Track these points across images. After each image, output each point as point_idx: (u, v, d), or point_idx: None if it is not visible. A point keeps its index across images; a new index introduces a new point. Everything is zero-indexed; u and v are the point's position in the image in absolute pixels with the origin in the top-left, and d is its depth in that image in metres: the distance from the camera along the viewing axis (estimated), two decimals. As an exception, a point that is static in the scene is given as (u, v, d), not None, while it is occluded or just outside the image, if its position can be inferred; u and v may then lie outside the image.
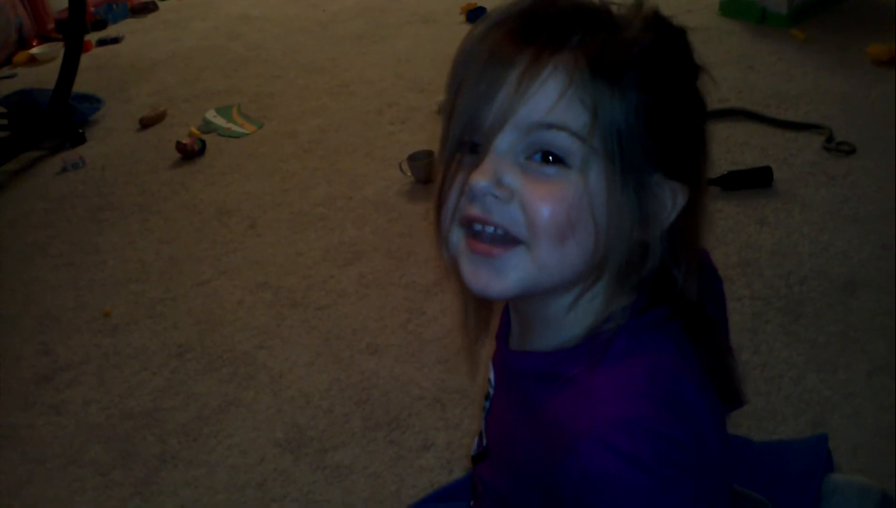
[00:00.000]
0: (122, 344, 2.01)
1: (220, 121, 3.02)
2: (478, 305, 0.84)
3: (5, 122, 3.08)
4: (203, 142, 2.84)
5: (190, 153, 2.79)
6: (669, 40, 0.71)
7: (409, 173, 2.40)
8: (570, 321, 0.74)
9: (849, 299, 1.70)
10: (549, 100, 0.66)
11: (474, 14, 3.52)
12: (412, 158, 2.41)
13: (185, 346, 1.96)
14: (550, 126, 0.67)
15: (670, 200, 0.71)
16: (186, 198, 2.59)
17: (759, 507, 0.94)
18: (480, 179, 0.68)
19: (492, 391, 0.87)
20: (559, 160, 0.68)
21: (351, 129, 2.81)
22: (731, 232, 1.94)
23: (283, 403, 1.74)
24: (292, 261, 2.19)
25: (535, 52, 0.66)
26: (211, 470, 1.63)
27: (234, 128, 2.96)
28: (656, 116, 0.69)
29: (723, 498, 0.74)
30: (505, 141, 0.68)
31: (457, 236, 0.73)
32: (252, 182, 2.60)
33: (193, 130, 2.92)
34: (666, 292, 0.74)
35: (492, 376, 0.87)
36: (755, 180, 2.08)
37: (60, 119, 3.06)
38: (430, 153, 2.42)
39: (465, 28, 3.44)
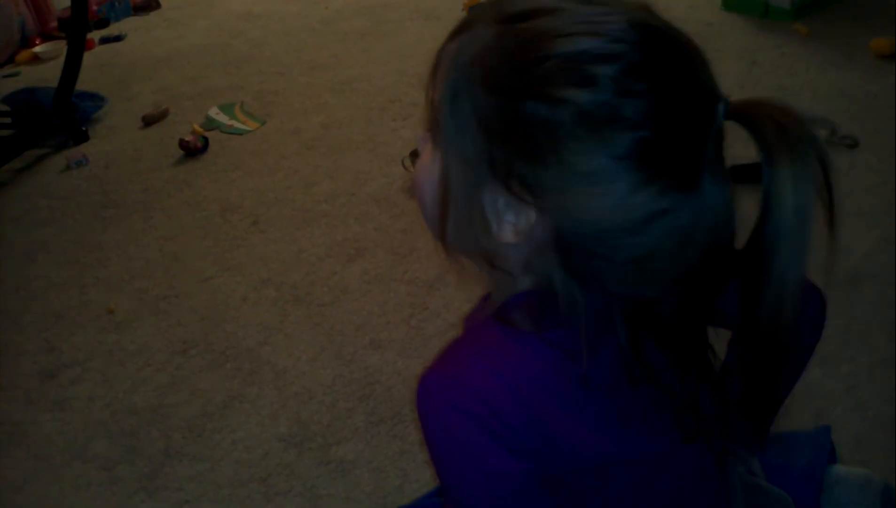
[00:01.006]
0: (126, 341, 2.02)
1: (222, 118, 3.02)
2: None
3: (9, 120, 3.09)
4: (206, 139, 2.84)
5: (193, 150, 2.80)
6: (506, 42, 0.67)
7: (412, 170, 2.40)
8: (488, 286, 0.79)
9: (852, 293, 1.70)
10: (440, 72, 0.72)
11: (476, 10, 3.51)
12: (415, 154, 2.41)
13: (189, 342, 1.96)
14: (431, 98, 0.72)
15: (513, 212, 0.67)
16: (189, 195, 2.59)
17: (779, 502, 0.94)
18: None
19: None
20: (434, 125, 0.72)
21: (354, 125, 2.82)
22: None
23: (287, 398, 1.75)
24: (295, 257, 2.19)
25: (452, 35, 0.73)
26: (215, 465, 1.63)
27: (237, 125, 2.97)
28: (491, 121, 0.67)
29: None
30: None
31: None
32: (255, 179, 2.61)
33: (196, 127, 2.92)
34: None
35: None
36: (756, 175, 2.07)
37: (64, 117, 3.06)
38: (432, 149, 2.42)
39: (468, 24, 3.45)
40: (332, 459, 1.58)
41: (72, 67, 3.07)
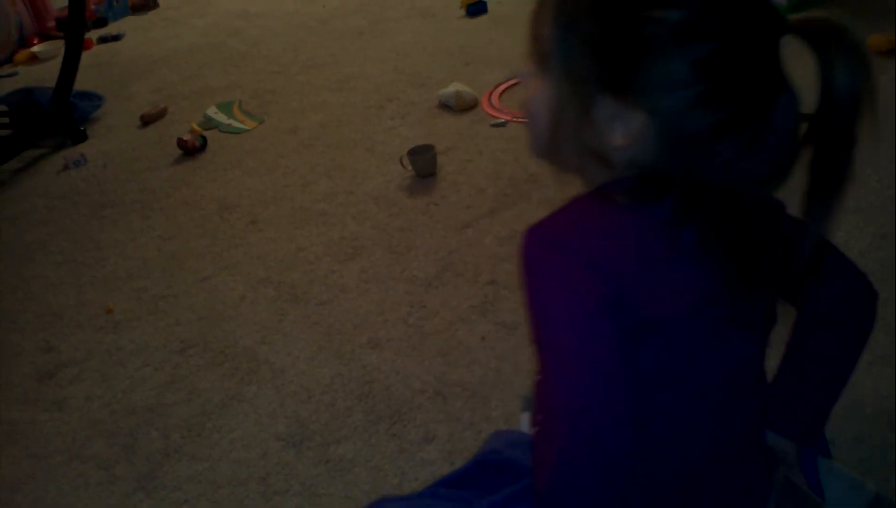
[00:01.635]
0: (125, 340, 2.02)
1: (220, 117, 3.02)
2: None
3: (7, 120, 3.09)
4: (204, 138, 2.85)
5: (191, 149, 2.80)
6: None
7: (410, 168, 2.41)
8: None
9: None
10: (542, 14, 0.83)
11: (474, 8, 3.52)
12: (412, 153, 2.41)
13: (188, 342, 1.97)
14: (533, 35, 0.84)
15: (610, 116, 0.79)
16: (187, 194, 2.59)
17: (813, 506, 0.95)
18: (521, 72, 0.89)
19: None
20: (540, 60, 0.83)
21: (351, 124, 2.82)
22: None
23: (286, 397, 1.75)
24: (293, 256, 2.19)
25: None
26: (214, 465, 1.63)
27: (235, 124, 2.97)
28: (601, 41, 0.78)
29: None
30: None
31: None
32: (253, 178, 2.61)
33: (194, 126, 2.92)
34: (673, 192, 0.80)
35: None
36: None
37: (62, 117, 3.07)
38: (430, 147, 2.42)
39: (465, 23, 3.45)
40: (331, 458, 1.58)
41: (70, 66, 3.07)
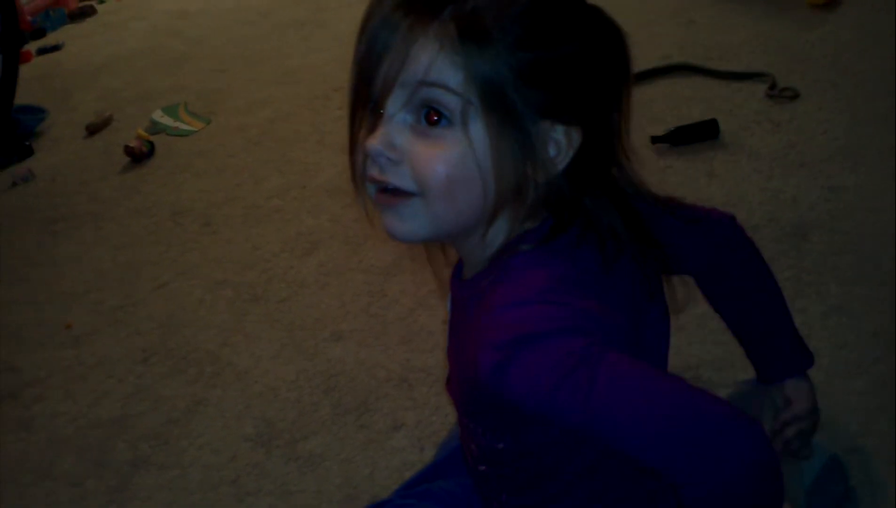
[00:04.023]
0: (86, 354, 2.00)
1: (167, 121, 2.99)
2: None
3: (-52, 140, 3.04)
4: (151, 144, 2.81)
5: (139, 156, 2.76)
6: (542, 3, 0.78)
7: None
8: (484, 249, 0.85)
9: (801, 243, 1.72)
10: (425, 62, 0.75)
11: (415, -9, 3.49)
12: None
13: (149, 350, 1.95)
14: (430, 84, 0.76)
15: (563, 143, 0.80)
16: (139, 202, 2.56)
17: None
18: (374, 144, 0.79)
19: (449, 318, 0.97)
20: (441, 116, 0.77)
21: (300, 117, 2.80)
22: (681, 187, 1.95)
23: (251, 398, 1.74)
24: (250, 256, 2.18)
25: (411, 22, 0.76)
26: (184, 471, 1.62)
27: (182, 126, 2.94)
28: (535, 70, 0.77)
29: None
30: (395, 102, 0.78)
31: (371, 190, 0.84)
32: (204, 180, 2.58)
33: (140, 132, 2.88)
34: (574, 216, 0.83)
35: (449, 305, 0.97)
36: (702, 134, 2.09)
37: (5, 133, 3.02)
38: (379, 135, 2.41)
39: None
40: (301, 454, 1.58)
41: (8, 81, 3.02)
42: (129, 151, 2.77)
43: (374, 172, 0.81)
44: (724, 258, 1.06)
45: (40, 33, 4.29)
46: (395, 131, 0.78)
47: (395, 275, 1.95)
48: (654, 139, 2.09)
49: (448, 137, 0.77)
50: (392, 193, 0.80)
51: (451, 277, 0.96)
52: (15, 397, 1.93)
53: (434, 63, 0.75)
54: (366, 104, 0.82)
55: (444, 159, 0.77)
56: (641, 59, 2.46)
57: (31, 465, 1.74)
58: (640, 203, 0.89)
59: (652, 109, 2.24)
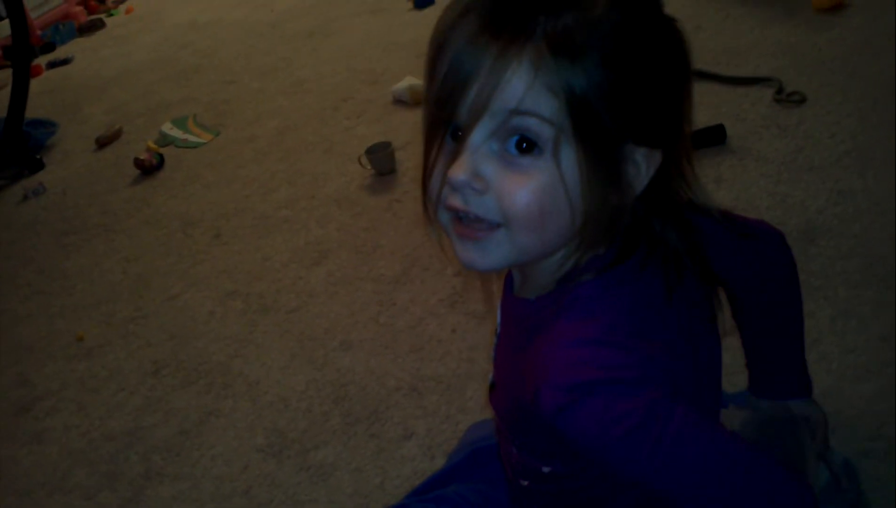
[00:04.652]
0: (98, 367, 2.01)
1: (176, 133, 3.01)
2: None
3: (-40, 155, 3.07)
4: (161, 156, 2.83)
5: (149, 168, 2.78)
6: (635, 16, 0.74)
7: (369, 166, 2.40)
8: (554, 272, 0.82)
9: (808, 247, 1.72)
10: (518, 90, 0.70)
11: (421, 2, 3.51)
12: (370, 151, 2.41)
13: (161, 362, 1.96)
14: (522, 113, 0.71)
15: (643, 165, 0.76)
16: (149, 213, 2.58)
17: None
18: (459, 174, 0.74)
19: (499, 330, 0.95)
20: (532, 145, 0.72)
21: (308, 127, 2.81)
22: (689, 193, 1.95)
23: (262, 409, 1.75)
24: (260, 266, 2.19)
25: (502, 45, 0.70)
26: (196, 483, 1.63)
27: (191, 138, 2.96)
28: (623, 91, 0.72)
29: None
30: (481, 132, 0.73)
31: (445, 218, 0.80)
32: (213, 191, 2.60)
33: (150, 144, 2.90)
34: (641, 239, 0.81)
35: (499, 316, 0.95)
36: (709, 139, 2.09)
37: (16, 147, 3.04)
38: (387, 145, 2.42)
39: (414, 15, 3.45)
40: (312, 464, 1.59)
41: (19, 95, 3.05)
42: (138, 163, 2.78)
43: (456, 202, 0.76)
44: (768, 275, 1.05)
45: (50, 47, 4.33)
46: (482, 160, 0.74)
47: (404, 284, 1.96)
48: (662, 145, 2.09)
49: (537, 167, 0.73)
50: (473, 224, 0.77)
51: (504, 290, 0.94)
52: (28, 410, 1.95)
53: (528, 91, 0.70)
54: (445, 130, 0.77)
55: (533, 190, 0.73)
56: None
57: (44, 478, 1.75)
58: (697, 216, 0.87)
59: (659, 115, 2.23)
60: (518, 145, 0.73)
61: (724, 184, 1.96)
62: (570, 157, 0.72)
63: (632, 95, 0.73)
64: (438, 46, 0.75)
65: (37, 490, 1.72)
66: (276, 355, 1.88)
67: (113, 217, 2.62)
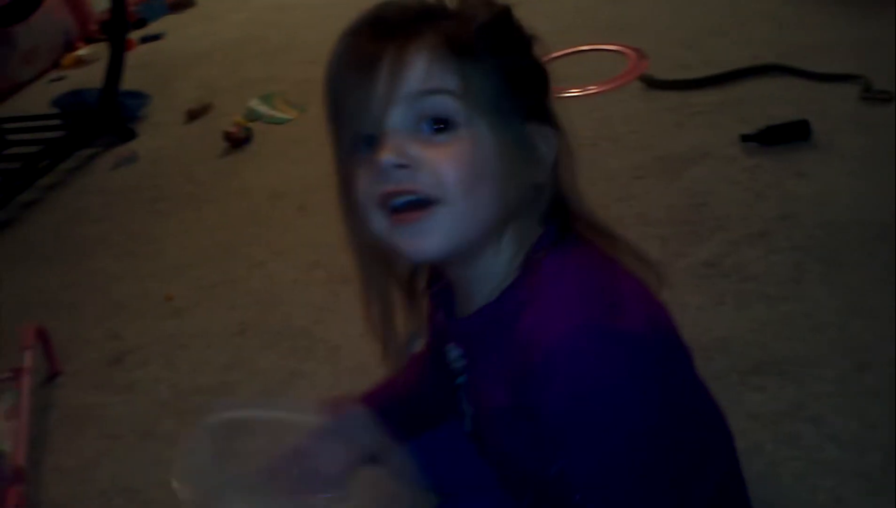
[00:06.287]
0: (186, 325, 2.10)
1: (263, 108, 3.10)
2: (408, 303, 0.98)
3: (59, 122, 3.20)
4: (249, 130, 2.92)
5: (237, 141, 2.88)
6: (503, 16, 0.83)
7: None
8: (499, 267, 0.85)
9: (888, 245, 1.72)
10: (422, 70, 0.77)
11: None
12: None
13: (246, 324, 2.05)
14: (431, 91, 0.78)
15: (547, 143, 0.84)
16: (237, 185, 2.67)
17: None
18: (387, 155, 0.78)
19: (463, 364, 0.95)
20: (446, 122, 0.78)
21: (391, 108, 2.87)
22: (770, 187, 1.97)
23: (342, 373, 1.82)
24: (342, 240, 2.25)
25: (399, 42, 0.78)
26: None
27: (278, 114, 3.04)
28: (513, 75, 0.81)
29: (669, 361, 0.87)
30: (396, 116, 0.78)
31: (379, 220, 0.83)
32: (299, 166, 2.68)
33: (238, 118, 3.00)
34: (566, 217, 0.86)
35: (455, 354, 0.96)
36: (793, 134, 2.10)
37: (111, 117, 3.17)
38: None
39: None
40: (389, 427, 1.64)
41: (115, 67, 3.17)
42: (228, 136, 2.88)
43: (389, 186, 0.79)
44: None
45: (142, 23, 4.46)
46: (405, 143, 0.78)
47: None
48: (744, 138, 2.11)
49: (458, 137, 0.78)
50: (410, 208, 0.79)
51: (437, 324, 1.00)
52: (119, 362, 2.05)
53: (431, 70, 0.77)
54: (357, 142, 0.82)
55: (461, 155, 0.78)
56: (731, 59, 2.48)
57: (133, 425, 1.85)
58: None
59: (741, 109, 2.25)
60: (434, 126, 0.78)
61: (804, 178, 1.97)
62: (482, 129, 0.78)
63: (519, 78, 0.82)
64: (334, 72, 0.84)
65: (128, 435, 1.82)
66: (356, 323, 1.92)
67: (202, 187, 2.72)
